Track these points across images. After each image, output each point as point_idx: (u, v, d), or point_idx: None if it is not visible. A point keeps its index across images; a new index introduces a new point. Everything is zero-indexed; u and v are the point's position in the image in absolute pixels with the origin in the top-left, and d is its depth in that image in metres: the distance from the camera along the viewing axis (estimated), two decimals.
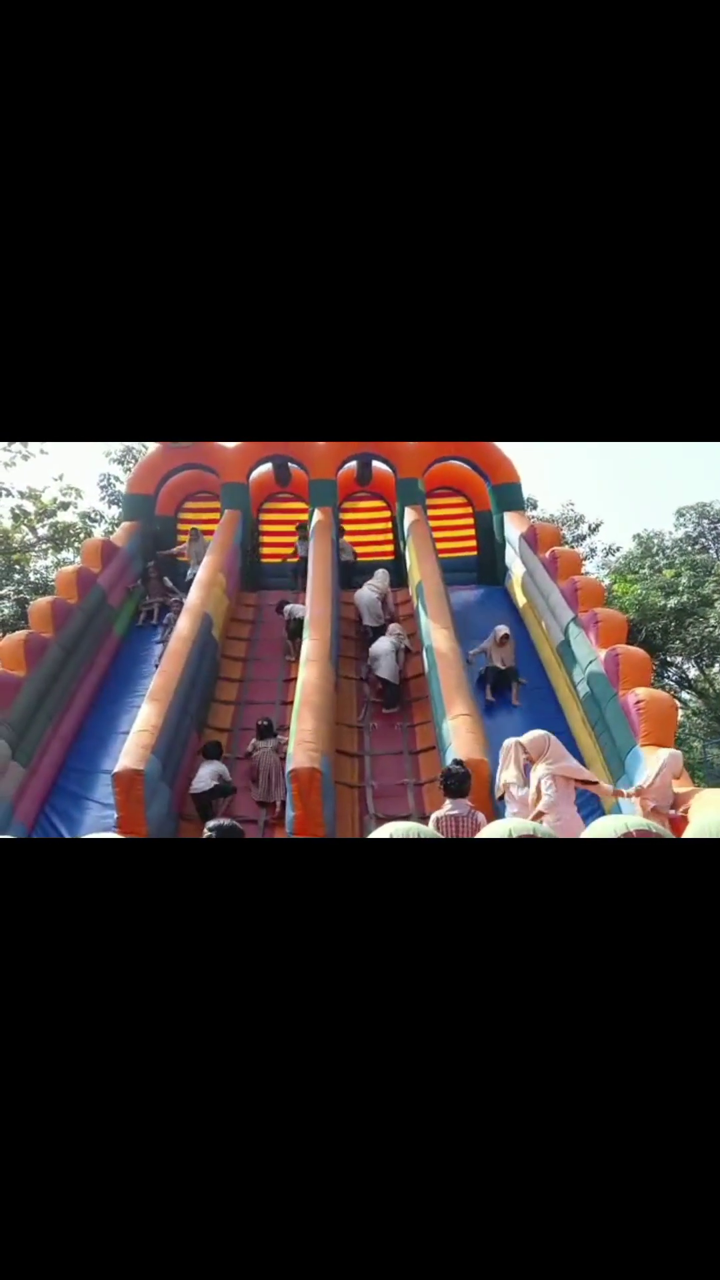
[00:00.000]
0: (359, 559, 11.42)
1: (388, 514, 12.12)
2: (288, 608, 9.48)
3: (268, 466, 11.84)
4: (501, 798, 5.51)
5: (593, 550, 19.45)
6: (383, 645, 8.41)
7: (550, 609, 8.58)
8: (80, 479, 42.26)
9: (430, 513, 11.17)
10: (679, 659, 17.42)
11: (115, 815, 6.25)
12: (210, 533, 10.60)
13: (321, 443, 11.05)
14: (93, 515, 17.44)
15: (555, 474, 41.55)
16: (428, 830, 3.84)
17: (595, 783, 5.22)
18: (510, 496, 11.10)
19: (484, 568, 11.34)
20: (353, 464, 11.73)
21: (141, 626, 9.76)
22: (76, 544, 16.35)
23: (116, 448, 18.16)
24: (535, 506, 18.65)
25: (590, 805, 6.69)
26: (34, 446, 16.34)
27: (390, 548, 11.91)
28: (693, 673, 18.10)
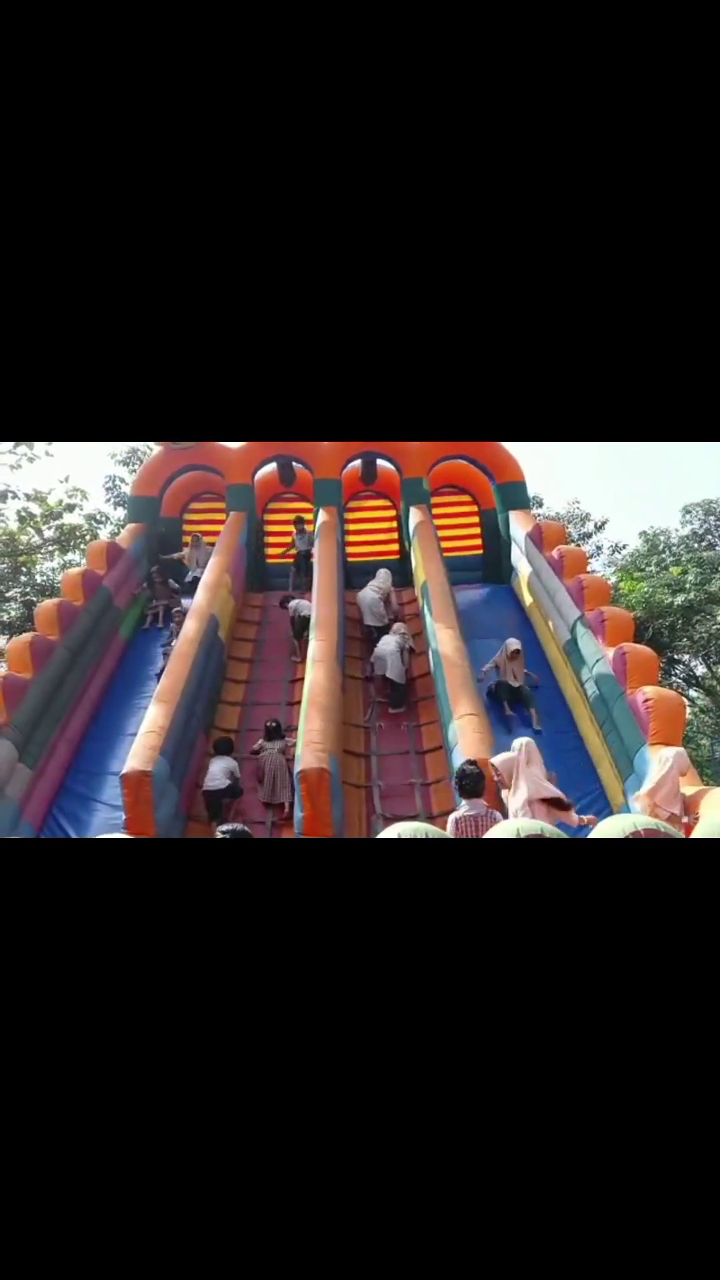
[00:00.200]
0: (361, 559, 11.41)
1: (393, 513, 12.11)
2: (292, 604, 9.48)
3: (272, 467, 11.84)
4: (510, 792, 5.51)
5: (599, 548, 19.40)
6: (387, 645, 8.40)
7: (556, 608, 8.55)
8: (86, 481, 42.37)
9: (435, 512, 11.15)
10: (686, 656, 17.36)
11: (123, 816, 6.27)
12: (215, 534, 10.61)
13: (326, 442, 11.04)
14: (98, 517, 17.48)
15: (560, 472, 41.53)
16: (435, 830, 3.83)
17: (568, 809, 5.21)
18: (515, 495, 11.07)
19: (489, 566, 11.32)
20: (357, 463, 11.73)
21: (148, 630, 9.77)
22: (82, 546, 16.38)
23: (121, 450, 18.21)
24: (540, 504, 18.61)
25: (600, 804, 6.68)
26: (39, 448, 16.38)
27: (395, 547, 11.89)
28: (700, 670, 18.04)
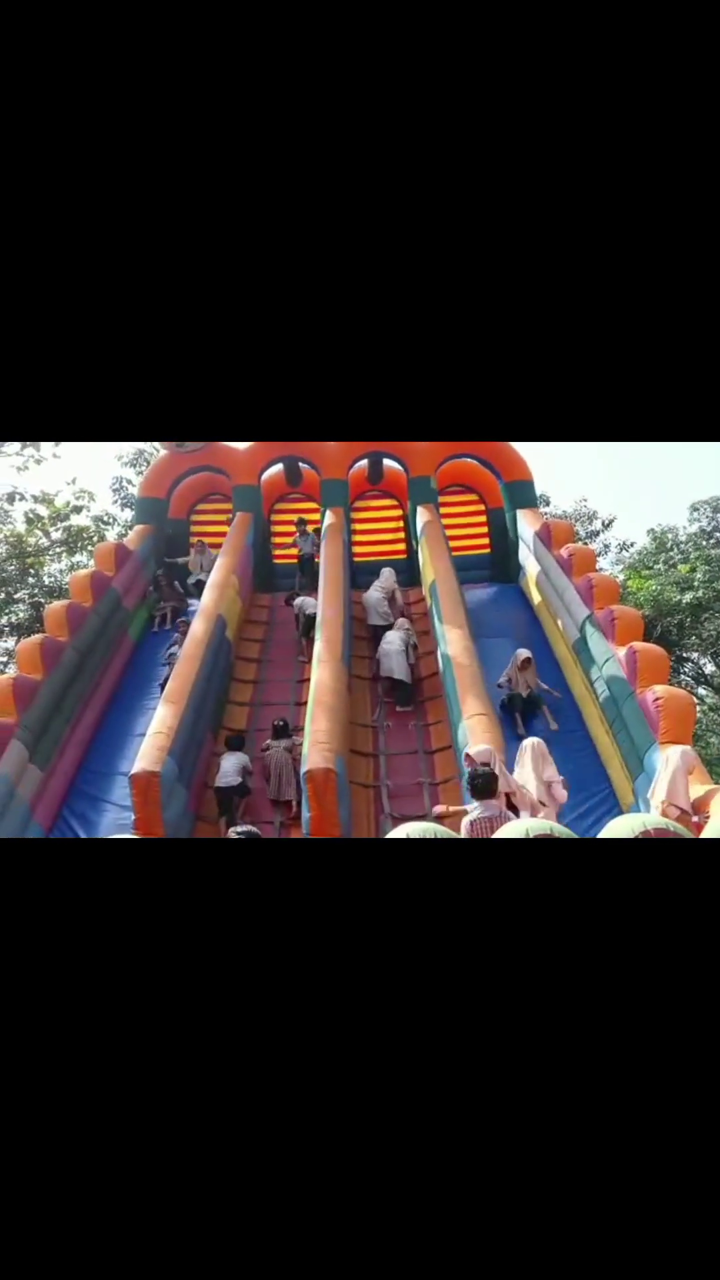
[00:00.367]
0: (367, 559, 11.40)
1: (399, 513, 12.10)
2: (297, 602, 9.48)
3: (279, 467, 11.84)
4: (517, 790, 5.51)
5: (606, 546, 19.33)
6: (392, 644, 8.39)
7: (565, 606, 8.53)
8: (93, 483, 42.52)
9: (442, 511, 11.14)
10: (695, 654, 17.28)
11: (132, 817, 6.29)
12: (222, 534, 10.62)
13: (332, 443, 11.04)
14: (105, 519, 17.53)
15: (567, 470, 41.42)
16: (444, 830, 3.83)
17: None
18: (523, 493, 11.05)
19: (497, 565, 11.29)
20: (364, 463, 11.72)
21: (157, 632, 9.76)
22: (89, 548, 16.43)
23: (128, 451, 18.25)
24: (548, 503, 18.55)
25: (609, 804, 6.66)
26: (46, 450, 16.43)
27: (402, 547, 11.89)
28: (709, 668, 17.95)
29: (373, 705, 8.46)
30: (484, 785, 4.79)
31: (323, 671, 7.52)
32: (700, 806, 5.08)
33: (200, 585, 10.12)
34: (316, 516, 11.37)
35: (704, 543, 17.69)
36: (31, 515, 16.46)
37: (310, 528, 11.12)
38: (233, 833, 3.92)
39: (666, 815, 4.90)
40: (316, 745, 6.47)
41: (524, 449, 11.53)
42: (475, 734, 6.37)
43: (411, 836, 3.53)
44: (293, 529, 11.54)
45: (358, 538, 11.73)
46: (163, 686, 7.80)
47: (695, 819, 4.99)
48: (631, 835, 3.44)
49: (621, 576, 16.50)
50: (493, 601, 10.17)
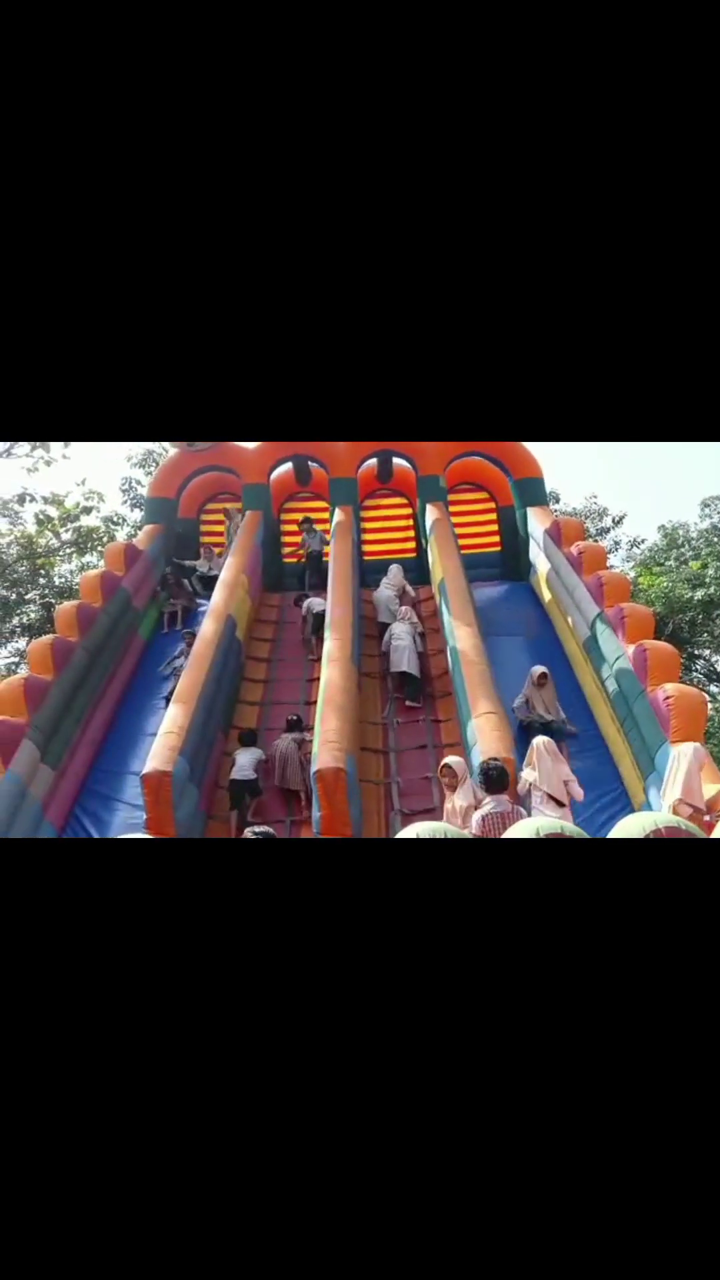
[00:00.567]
0: (377, 558, 11.40)
1: (409, 511, 12.08)
2: (306, 603, 9.50)
3: (288, 466, 11.85)
4: (526, 793, 5.49)
5: (617, 543, 19.24)
6: (402, 639, 8.39)
7: (576, 604, 8.50)
8: (102, 484, 42.70)
9: (452, 509, 11.11)
10: (707, 652, 17.17)
11: (144, 816, 6.32)
12: (220, 534, 10.62)
13: (341, 441, 11.04)
14: (115, 519, 17.60)
15: (576, 467, 41.23)
16: (454, 829, 3.82)
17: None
18: (533, 491, 11.00)
19: (507, 563, 11.26)
20: (373, 461, 11.71)
21: (166, 633, 9.73)
22: (99, 548, 16.51)
23: (137, 451, 18.31)
24: (557, 500, 18.48)
25: (621, 802, 6.63)
26: (56, 451, 16.52)
27: (411, 545, 11.87)
28: None
29: (382, 702, 8.47)
30: (496, 779, 4.78)
31: (333, 670, 7.53)
32: (715, 805, 5.05)
33: (206, 580, 10.15)
34: (325, 515, 11.37)
35: (715, 539, 17.58)
36: (41, 516, 16.56)
37: (319, 526, 11.13)
38: (249, 833, 3.97)
39: (679, 814, 4.87)
40: (327, 744, 6.48)
41: (534, 446, 11.49)
42: (484, 732, 6.36)
43: (421, 836, 3.52)
44: (299, 527, 11.55)
45: (367, 536, 11.73)
46: (167, 699, 7.78)
47: (708, 818, 4.96)
48: (643, 834, 3.42)
49: (632, 573, 16.43)
50: (503, 599, 10.14)
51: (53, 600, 15.25)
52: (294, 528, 11.83)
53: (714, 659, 17.73)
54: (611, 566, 9.94)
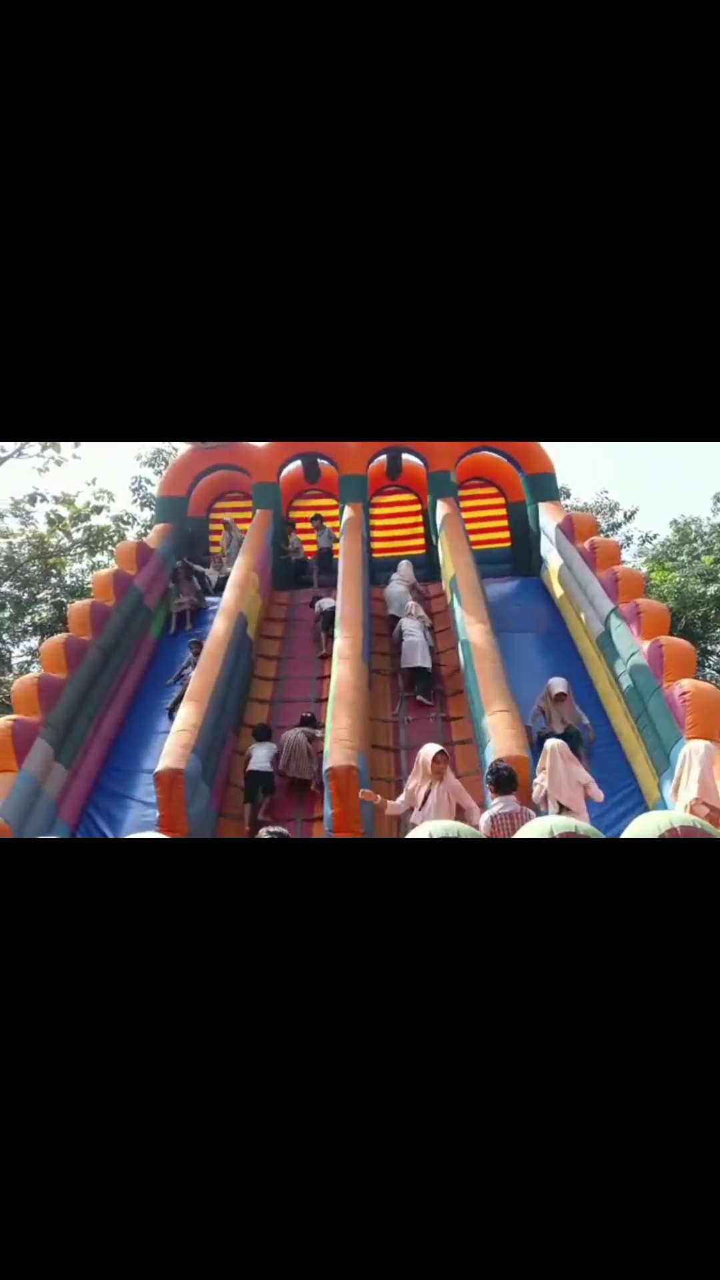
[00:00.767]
0: (387, 554, 11.37)
1: (419, 507, 12.05)
2: (319, 602, 9.49)
3: (298, 464, 11.84)
4: (544, 798, 5.47)
5: (629, 538, 19.12)
6: (413, 634, 8.37)
7: (589, 600, 8.44)
8: (112, 483, 42.87)
9: (462, 505, 11.08)
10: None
11: (157, 814, 6.34)
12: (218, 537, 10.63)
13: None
14: (125, 518, 17.67)
15: (587, 462, 41.01)
16: (466, 829, 3.81)
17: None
18: (544, 486, 10.94)
19: (518, 559, 11.21)
20: (383, 458, 11.68)
21: (175, 634, 9.67)
22: (110, 547, 16.58)
23: (147, 451, 18.37)
24: (568, 495, 18.39)
25: (634, 799, 6.59)
26: (66, 451, 16.60)
27: (421, 541, 11.84)
28: None
29: (393, 700, 8.45)
30: (506, 780, 4.75)
31: (343, 668, 7.53)
32: None
33: (224, 583, 10.14)
34: (334, 512, 11.35)
35: None
36: (53, 516, 16.65)
37: (328, 523, 11.11)
38: (264, 833, 4.00)
39: (696, 813, 4.83)
40: (338, 743, 6.47)
41: (545, 442, 11.42)
42: (498, 730, 6.32)
43: (434, 836, 3.51)
44: (311, 524, 11.54)
45: (376, 534, 11.70)
46: (173, 708, 7.79)
47: None
48: (657, 833, 3.39)
49: (644, 569, 16.32)
50: (514, 596, 10.09)
51: (64, 599, 15.33)
52: (304, 525, 11.81)
53: None
54: (625, 562, 9.86)
